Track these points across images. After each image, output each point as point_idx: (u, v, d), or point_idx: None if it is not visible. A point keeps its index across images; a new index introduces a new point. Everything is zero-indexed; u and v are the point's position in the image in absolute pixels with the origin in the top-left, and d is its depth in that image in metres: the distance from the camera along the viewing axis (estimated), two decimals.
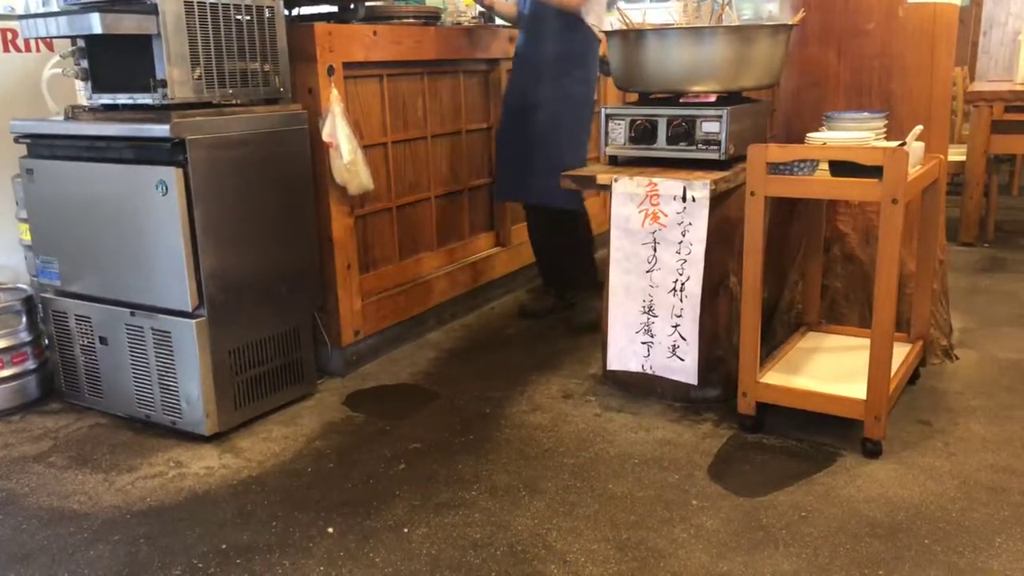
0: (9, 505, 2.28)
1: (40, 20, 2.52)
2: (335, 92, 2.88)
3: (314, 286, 2.95)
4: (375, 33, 3.11)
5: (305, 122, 2.82)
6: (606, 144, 2.75)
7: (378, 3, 3.31)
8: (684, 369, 2.57)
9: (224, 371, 2.60)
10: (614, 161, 2.79)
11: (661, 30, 2.64)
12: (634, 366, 2.66)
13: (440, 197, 3.63)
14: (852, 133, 2.48)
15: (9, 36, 3.33)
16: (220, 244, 2.56)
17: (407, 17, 3.38)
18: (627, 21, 2.74)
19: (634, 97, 2.87)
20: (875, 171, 2.24)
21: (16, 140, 2.77)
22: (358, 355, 3.19)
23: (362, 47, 3.06)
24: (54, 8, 2.89)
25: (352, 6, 3.17)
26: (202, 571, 1.96)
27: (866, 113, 2.59)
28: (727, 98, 2.66)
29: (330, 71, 2.90)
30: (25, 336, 2.90)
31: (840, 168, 2.35)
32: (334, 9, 3.26)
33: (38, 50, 3.32)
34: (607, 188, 2.57)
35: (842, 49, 2.89)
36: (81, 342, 2.78)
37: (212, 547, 2.05)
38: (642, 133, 2.66)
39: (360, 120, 3.12)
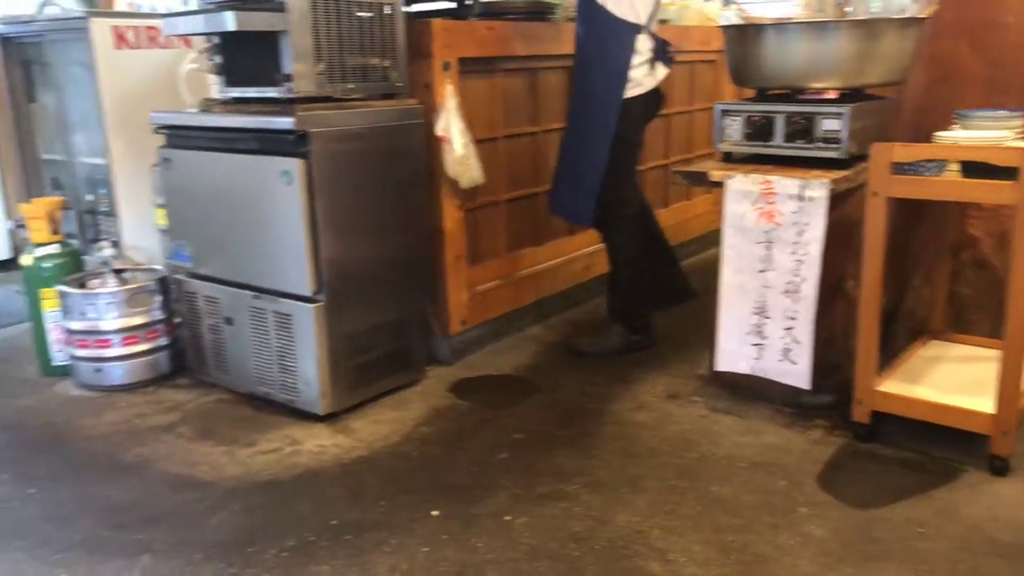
0: (143, 470, 2.45)
1: (180, 18, 2.68)
2: (450, 87, 2.94)
3: (425, 277, 3.03)
4: (489, 29, 3.15)
5: (421, 117, 2.90)
6: (720, 140, 2.70)
7: None
8: (797, 373, 2.51)
9: (339, 354, 2.71)
10: (728, 158, 2.74)
11: (781, 24, 2.57)
12: (744, 368, 2.61)
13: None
14: (987, 132, 2.35)
15: (152, 34, 3.55)
16: (338, 233, 2.66)
17: (522, 13, 3.41)
18: (744, 15, 2.68)
19: (750, 93, 2.81)
20: (1011, 172, 2.12)
21: (156, 131, 2.96)
22: (464, 345, 3.26)
23: (477, 43, 3.11)
24: (193, 7, 3.06)
25: (469, 2, 3.22)
26: (313, 544, 2.05)
27: (1003, 111, 2.45)
28: (849, 95, 2.57)
29: (446, 67, 2.96)
30: (159, 314, 3.10)
31: (973, 169, 2.23)
32: (452, 5, 3.32)
33: (178, 47, 3.54)
34: (719, 185, 2.53)
35: (976, 43, 2.74)
36: (209, 321, 2.95)
37: (323, 522, 2.14)
38: (758, 130, 2.60)
39: (473, 115, 3.17)
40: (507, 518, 2.14)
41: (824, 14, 2.78)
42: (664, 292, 3.37)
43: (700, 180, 2.62)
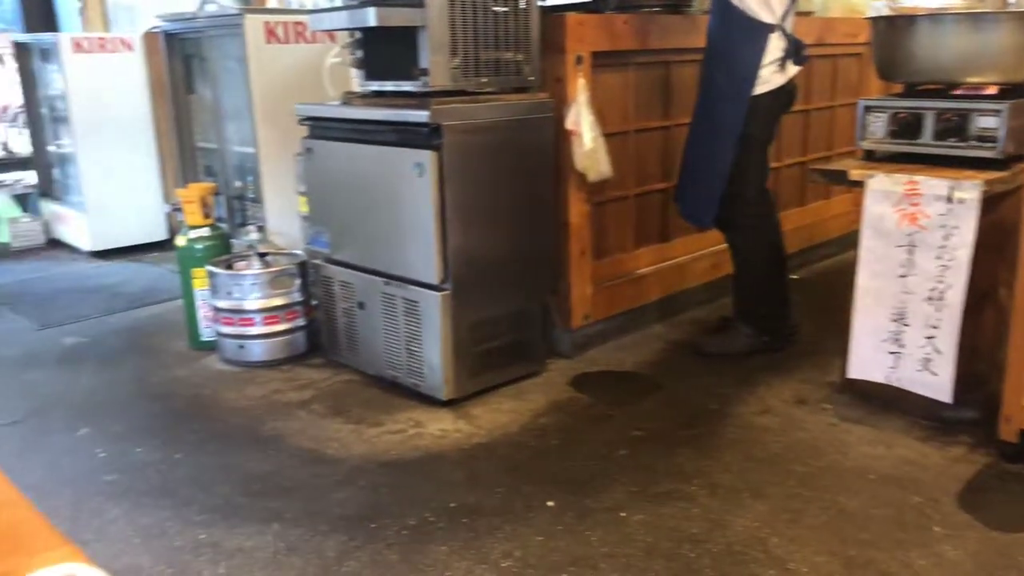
0: (278, 443, 2.59)
1: (325, 15, 2.81)
2: (582, 81, 2.94)
3: (549, 269, 3.05)
4: (625, 23, 3.13)
5: (551, 110, 2.91)
6: (862, 138, 2.58)
7: None
8: (937, 385, 2.37)
9: (463, 342, 2.77)
10: (870, 156, 2.61)
11: (935, 15, 2.42)
12: (878, 376, 2.49)
13: None
14: None
15: (299, 29, 3.74)
16: (466, 224, 2.72)
17: (658, 6, 3.37)
18: (895, 6, 2.54)
19: (897, 88, 2.67)
20: None
21: (300, 122, 3.11)
22: (586, 339, 3.26)
23: (611, 37, 3.09)
24: (338, 4, 3.19)
25: None
26: (432, 524, 2.12)
27: None
28: (1010, 90, 2.39)
29: (578, 60, 2.96)
30: (298, 296, 3.27)
31: None
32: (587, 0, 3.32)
33: (322, 41, 3.70)
34: (859, 185, 2.42)
35: None
36: (343, 305, 3.08)
37: (442, 504, 2.21)
38: (904, 127, 2.47)
39: (604, 108, 3.16)
40: (623, 514, 2.14)
41: (984, 5, 2.60)
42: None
43: (839, 179, 2.51)
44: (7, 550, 0.59)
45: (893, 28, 2.51)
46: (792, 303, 3.26)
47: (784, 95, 2.95)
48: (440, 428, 2.65)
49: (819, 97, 4.24)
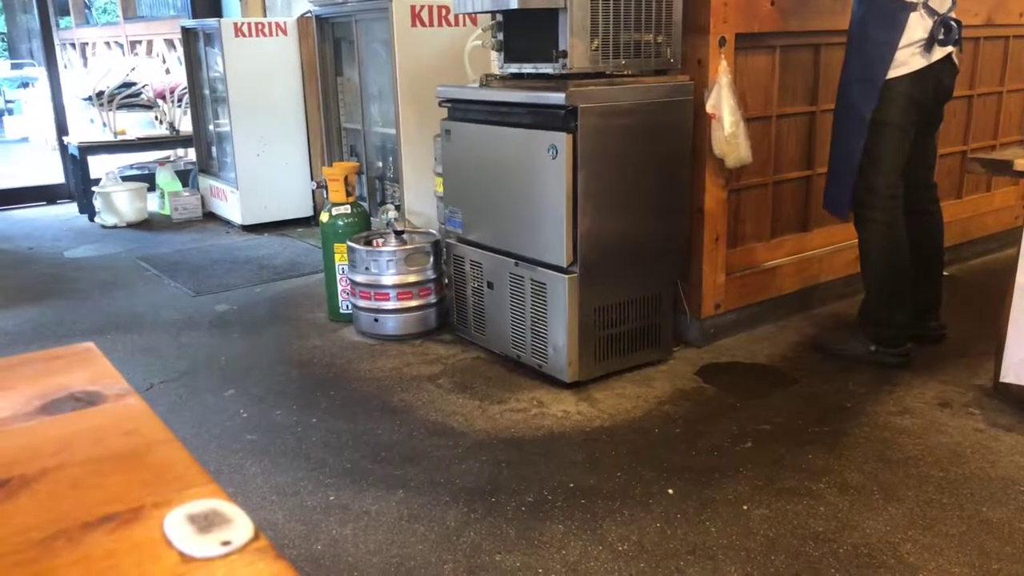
0: (406, 414, 2.69)
1: None
2: (724, 64, 2.86)
3: (680, 255, 3.00)
4: (772, 3, 3.02)
5: (691, 93, 2.86)
6: None
7: None
8: None
9: (589, 326, 2.77)
10: None
11: None
12: None
13: (823, 176, 3.44)
14: None
15: (443, 12, 3.82)
16: (598, 207, 2.71)
17: None
18: None
19: None
20: None
21: (440, 104, 3.19)
22: (716, 328, 3.19)
23: (757, 18, 2.99)
24: None
25: None
26: (550, 503, 2.14)
27: None
28: None
29: (722, 42, 2.89)
30: (431, 274, 3.36)
31: None
32: None
33: (464, 24, 3.77)
34: None
35: None
36: (473, 284, 3.15)
37: (561, 483, 2.23)
38: None
39: (746, 92, 3.07)
40: (744, 507, 2.09)
41: None
42: (914, 317, 2.97)
43: (1003, 170, 2.34)
44: (162, 482, 0.65)
45: None
46: (935, 316, 3.06)
47: (928, 79, 2.73)
48: (562, 409, 2.67)
49: (986, 82, 3.95)
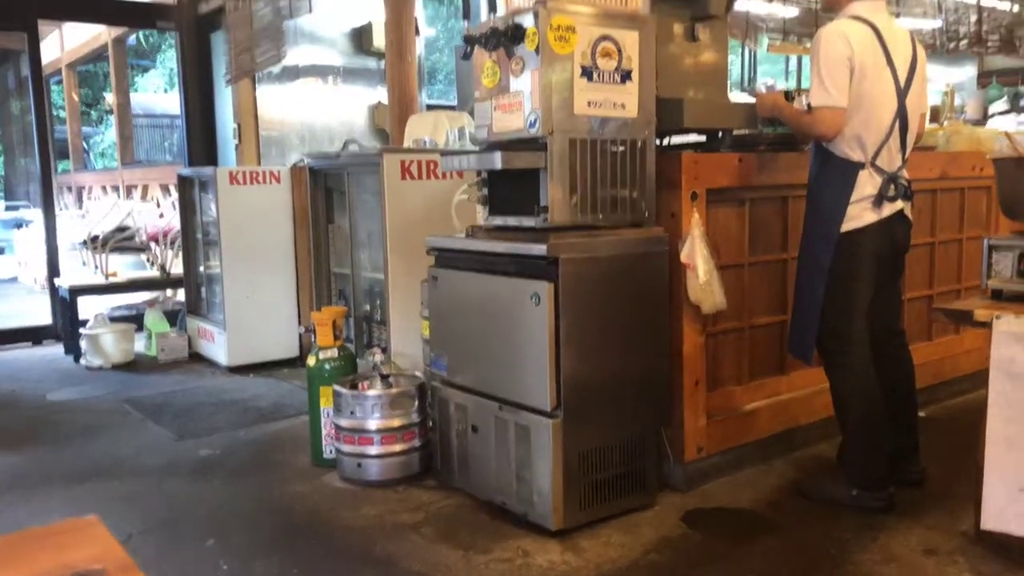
0: (389, 566, 2.65)
1: (456, 157, 3.04)
2: (696, 216, 3.02)
3: (662, 400, 3.05)
4: (740, 160, 3.22)
5: (666, 244, 2.99)
6: (988, 276, 2.52)
7: (744, 132, 3.41)
8: None
9: (573, 471, 2.78)
10: (998, 295, 2.54)
11: None
12: (1016, 529, 2.34)
13: None
14: None
15: (431, 166, 4.02)
16: (580, 353, 2.78)
17: (772, 144, 3.45)
18: (1018, 148, 2.52)
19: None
20: None
21: (428, 252, 3.31)
22: (699, 473, 3.20)
23: (726, 174, 3.18)
24: (467, 143, 3.43)
25: (720, 135, 3.32)
26: None
27: None
28: None
29: (693, 197, 3.05)
30: (415, 417, 3.38)
31: None
32: (702, 139, 3.43)
33: (451, 178, 3.96)
34: (986, 326, 2.35)
35: None
36: (457, 428, 3.17)
37: None
38: None
39: (719, 241, 3.21)
40: None
41: None
42: (893, 461, 3.00)
43: (964, 319, 2.45)
44: None
45: (1017, 169, 2.48)
46: (915, 461, 3.11)
47: (881, 233, 2.88)
48: (548, 559, 2.64)
49: (947, 229, 4.15)
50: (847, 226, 2.85)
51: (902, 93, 2.85)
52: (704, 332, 3.18)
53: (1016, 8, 5.79)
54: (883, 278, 2.98)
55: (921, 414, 3.34)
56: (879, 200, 2.84)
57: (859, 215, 2.85)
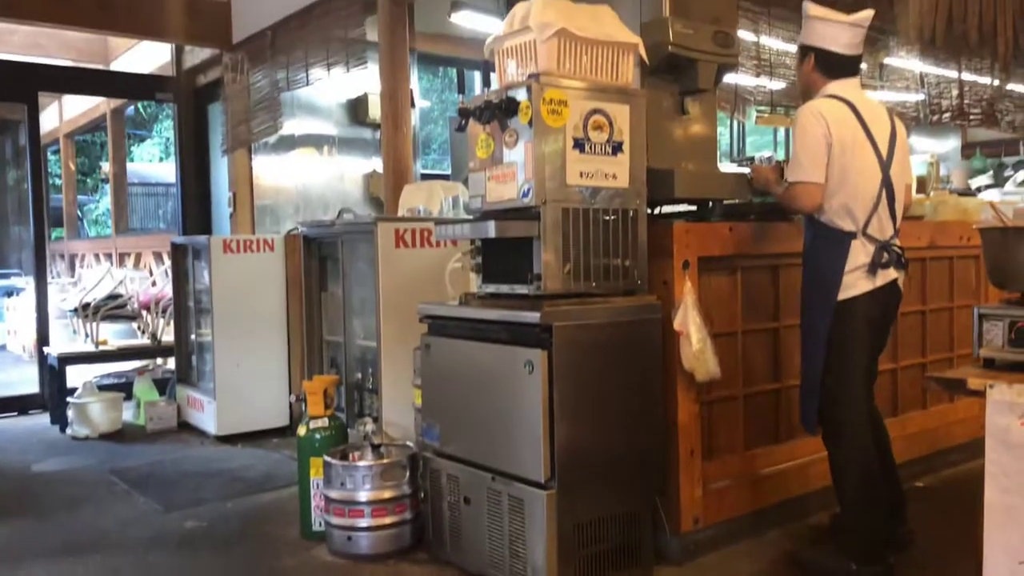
0: None
1: (450, 226, 3.07)
2: (688, 284, 3.04)
3: (657, 470, 3.02)
4: (731, 230, 3.25)
5: (659, 312, 3.00)
6: (980, 345, 2.52)
7: (735, 201, 3.46)
8: None
9: (568, 544, 2.73)
10: (990, 364, 2.53)
11: None
12: None
13: (790, 388, 3.54)
14: None
15: (426, 234, 4.05)
16: (574, 422, 2.76)
17: (763, 214, 3.49)
18: (1003, 218, 2.56)
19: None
20: None
21: (421, 320, 3.31)
22: (696, 545, 3.14)
23: (718, 243, 3.21)
24: (461, 212, 3.46)
25: (711, 205, 3.36)
26: None
27: None
28: None
29: (685, 265, 3.07)
30: (407, 489, 3.32)
31: None
32: (693, 208, 3.47)
33: (445, 246, 3.98)
34: (980, 394, 2.34)
35: None
36: (449, 499, 3.11)
37: None
38: None
39: (712, 309, 3.22)
40: None
41: None
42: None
43: (957, 388, 2.43)
44: None
45: (1004, 239, 2.51)
46: (902, 522, 3.07)
47: (876, 302, 2.92)
48: None
49: (937, 297, 4.18)
50: (843, 294, 2.89)
51: (885, 165, 2.93)
52: (699, 401, 3.16)
53: (996, 82, 5.95)
54: (876, 347, 3.01)
55: (918, 484, 3.31)
56: (873, 268, 2.88)
57: (855, 283, 2.89)
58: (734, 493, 3.28)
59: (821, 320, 2.92)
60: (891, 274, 2.93)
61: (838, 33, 2.93)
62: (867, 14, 2.98)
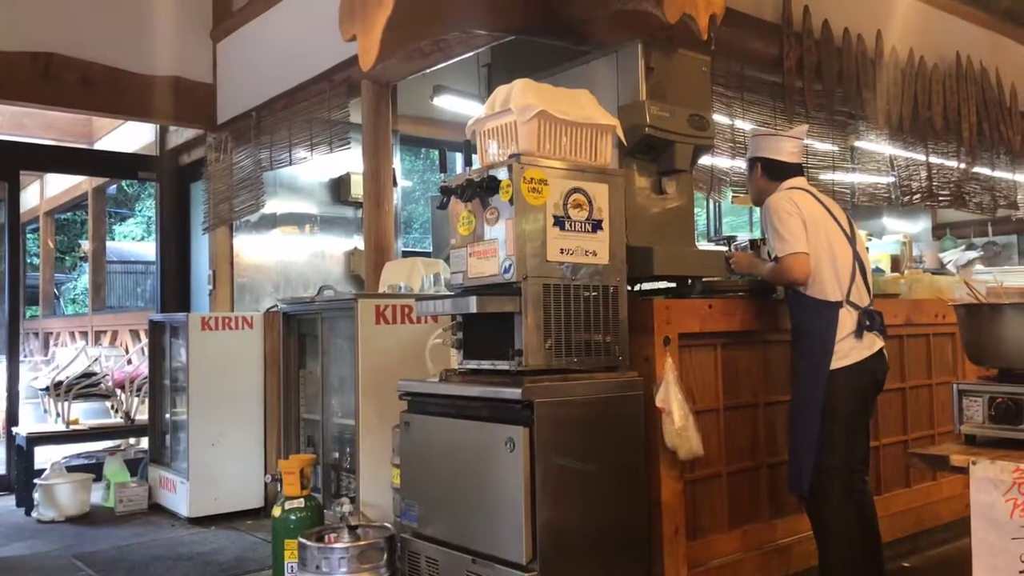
0: None
1: (431, 302, 3.07)
2: (670, 361, 3.04)
3: (641, 550, 2.95)
4: (710, 307, 3.28)
5: (640, 388, 2.99)
6: (960, 422, 2.53)
7: (715, 279, 3.49)
8: None
9: None
10: (972, 440, 2.54)
11: (1020, 305, 2.46)
12: None
13: (774, 466, 3.51)
14: None
15: (406, 310, 4.04)
16: (556, 501, 2.71)
17: (742, 291, 3.53)
18: (977, 295, 2.60)
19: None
20: None
21: (400, 397, 3.27)
22: None
23: (697, 319, 3.23)
24: (442, 289, 3.46)
25: (690, 282, 3.39)
26: None
27: None
28: None
29: (666, 342, 3.08)
30: (384, 572, 3.21)
31: None
32: (672, 285, 3.50)
33: (426, 322, 3.98)
34: (963, 471, 2.33)
35: None
36: None
37: None
38: (1004, 412, 2.41)
39: (693, 386, 3.22)
40: None
41: None
42: None
43: (940, 464, 2.43)
44: None
45: (978, 316, 2.55)
46: None
47: (866, 371, 3.06)
48: None
49: (916, 375, 4.21)
50: (837, 363, 3.01)
51: (851, 240, 3.15)
52: (682, 479, 3.13)
53: (963, 165, 6.13)
54: (867, 417, 3.13)
55: (904, 564, 3.26)
56: (860, 331, 3.02)
57: (847, 353, 3.02)
58: (719, 573, 3.22)
59: (816, 386, 3.02)
60: (877, 343, 3.07)
61: (780, 145, 3.29)
62: (802, 128, 3.49)
